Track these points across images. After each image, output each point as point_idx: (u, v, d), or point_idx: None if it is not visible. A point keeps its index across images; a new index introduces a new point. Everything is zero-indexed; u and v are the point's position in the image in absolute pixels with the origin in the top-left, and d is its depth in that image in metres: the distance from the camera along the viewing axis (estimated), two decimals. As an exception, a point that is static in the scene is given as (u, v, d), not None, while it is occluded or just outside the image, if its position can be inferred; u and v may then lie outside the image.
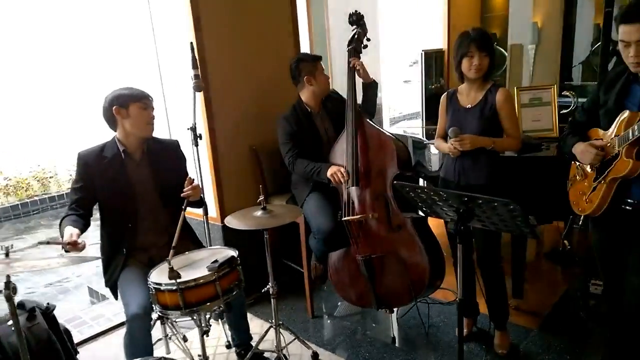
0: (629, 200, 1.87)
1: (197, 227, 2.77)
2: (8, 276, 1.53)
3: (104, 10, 3.43)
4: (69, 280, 4.69)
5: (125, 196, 2.33)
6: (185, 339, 2.57)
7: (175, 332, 2.57)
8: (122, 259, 2.31)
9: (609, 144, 1.87)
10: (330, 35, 4.95)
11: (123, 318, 3.12)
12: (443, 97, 2.52)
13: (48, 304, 2.31)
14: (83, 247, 1.97)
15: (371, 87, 2.88)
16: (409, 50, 5.41)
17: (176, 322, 2.66)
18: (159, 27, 3.16)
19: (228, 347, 2.75)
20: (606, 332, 2.30)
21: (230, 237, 3.17)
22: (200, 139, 2.76)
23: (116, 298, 2.36)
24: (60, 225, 2.19)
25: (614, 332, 2.18)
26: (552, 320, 2.85)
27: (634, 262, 1.92)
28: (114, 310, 3.35)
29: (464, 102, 2.39)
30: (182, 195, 2.25)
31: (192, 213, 2.93)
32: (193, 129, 2.73)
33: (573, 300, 3.03)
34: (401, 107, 6.77)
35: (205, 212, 2.80)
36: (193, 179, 2.32)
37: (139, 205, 2.37)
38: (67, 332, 2.45)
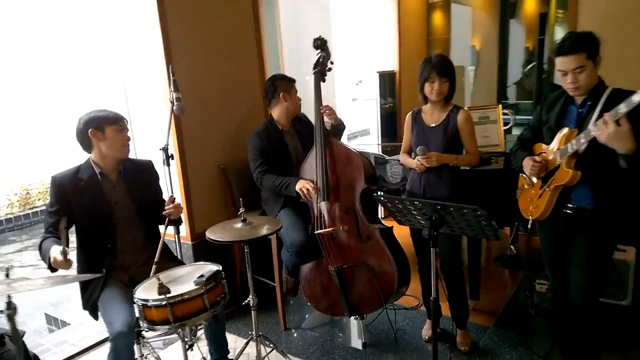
0: (569, 205, 2.12)
1: (170, 246, 2.83)
2: (9, 296, 1.57)
3: (68, 29, 3.43)
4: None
5: (103, 217, 2.36)
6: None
7: (150, 352, 2.59)
8: (101, 279, 2.33)
9: (551, 157, 2.14)
10: (284, 57, 5.12)
11: (89, 342, 3.16)
12: (408, 116, 2.73)
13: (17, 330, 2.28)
14: (71, 265, 2.01)
15: (339, 129, 3.04)
16: (356, 69, 5.64)
17: (149, 343, 2.68)
18: (125, 50, 3.21)
19: (204, 362, 2.81)
20: (553, 325, 2.56)
21: (200, 255, 3.25)
22: (172, 159, 2.84)
23: (96, 318, 2.37)
24: (40, 248, 2.20)
25: (560, 324, 2.43)
26: (505, 318, 3.12)
27: (575, 259, 2.17)
28: (78, 336, 3.31)
29: (428, 121, 2.61)
30: (163, 213, 2.32)
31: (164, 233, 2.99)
32: (165, 149, 2.79)
33: (522, 299, 3.33)
34: (350, 124, 7.04)
35: (177, 232, 2.86)
36: (174, 198, 2.39)
37: (117, 225, 2.41)
38: (37, 358, 2.43)
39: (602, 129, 1.84)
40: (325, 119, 2.92)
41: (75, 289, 4.03)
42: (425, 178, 2.58)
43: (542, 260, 2.45)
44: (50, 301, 4.41)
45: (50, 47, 5.90)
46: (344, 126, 3.11)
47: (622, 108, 1.80)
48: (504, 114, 4.80)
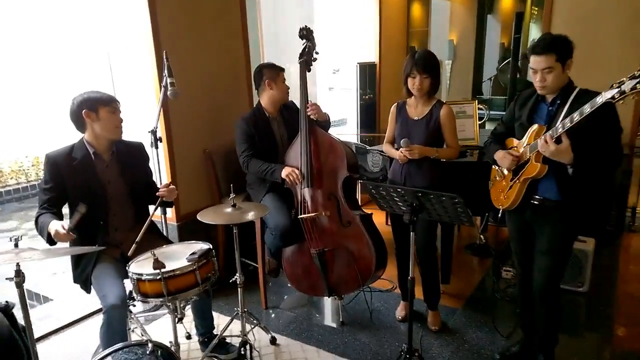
0: (536, 196, 2.30)
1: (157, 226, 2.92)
2: (18, 264, 1.66)
3: (54, 13, 3.43)
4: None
5: (96, 195, 2.43)
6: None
7: (137, 325, 2.70)
8: (95, 254, 2.41)
9: (522, 151, 2.32)
10: (264, 45, 5.18)
11: (74, 317, 3.23)
12: (393, 108, 2.84)
13: (7, 301, 2.33)
14: (73, 237, 2.11)
15: (325, 127, 3.10)
16: (335, 59, 5.71)
17: (135, 316, 2.77)
18: (113, 33, 3.24)
19: (188, 337, 2.92)
20: (516, 308, 2.75)
21: (185, 236, 3.34)
22: (160, 141, 2.91)
23: (88, 292, 2.45)
24: (37, 223, 2.27)
25: (523, 307, 2.63)
26: (473, 301, 3.33)
27: (539, 246, 2.36)
28: (62, 310, 3.37)
29: (412, 114, 2.74)
30: (157, 194, 2.41)
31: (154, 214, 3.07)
32: (154, 132, 2.87)
33: (489, 284, 3.55)
34: (330, 113, 7.12)
35: (164, 212, 2.96)
36: (170, 183, 2.50)
37: (110, 204, 2.49)
38: (24, 330, 2.49)
39: (545, 147, 2.04)
40: (310, 116, 2.97)
41: (58, 264, 4.08)
42: (406, 168, 2.72)
43: (509, 249, 2.64)
44: (30, 278, 4.42)
45: (38, 29, 5.80)
46: (330, 123, 3.17)
47: (576, 116, 1.97)
48: (479, 109, 5.01)
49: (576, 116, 1.98)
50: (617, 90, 1.88)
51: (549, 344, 2.50)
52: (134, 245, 2.29)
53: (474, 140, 3.52)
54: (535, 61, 2.15)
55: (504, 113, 2.58)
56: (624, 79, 1.90)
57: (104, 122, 2.40)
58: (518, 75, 6.87)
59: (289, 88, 3.20)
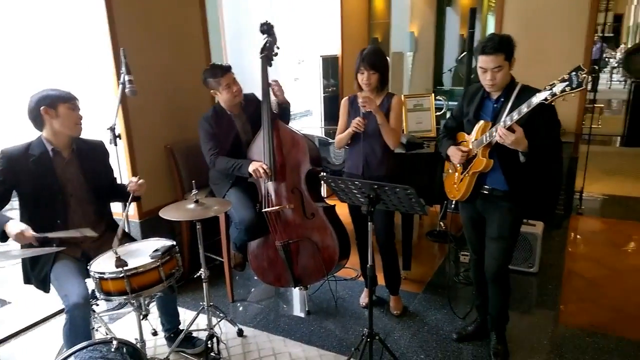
0: (485, 187, 2.43)
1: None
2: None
3: (8, 10, 3.33)
4: None
5: (55, 194, 2.41)
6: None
7: (101, 324, 2.70)
8: (52, 254, 2.36)
9: (471, 147, 2.43)
10: (226, 39, 5.16)
11: (35, 319, 3.18)
12: (345, 101, 2.92)
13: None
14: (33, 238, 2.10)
15: (285, 109, 3.13)
16: (299, 50, 5.72)
17: (99, 315, 2.77)
18: (70, 30, 3.18)
19: (154, 334, 2.94)
20: (472, 290, 2.90)
21: (148, 232, 3.34)
22: (120, 138, 2.89)
23: (47, 291, 2.43)
24: None
25: (478, 289, 2.78)
26: (432, 285, 3.48)
27: (490, 232, 2.50)
28: (22, 313, 3.31)
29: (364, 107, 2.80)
30: (128, 189, 2.43)
31: (120, 213, 3.05)
32: (112, 129, 2.85)
33: (448, 268, 3.70)
34: (293, 105, 7.15)
35: (136, 201, 2.95)
36: (139, 177, 2.50)
37: (69, 202, 2.46)
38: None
39: (505, 137, 2.15)
40: (272, 96, 3.00)
41: (11, 267, 3.94)
42: (364, 160, 2.81)
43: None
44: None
45: None
46: (290, 105, 3.19)
47: (523, 108, 2.11)
48: (438, 99, 5.16)
49: (515, 115, 2.13)
50: (549, 92, 2.04)
51: (501, 322, 2.67)
52: (115, 239, 2.25)
53: (431, 132, 3.64)
54: (485, 61, 2.25)
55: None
56: (555, 81, 2.05)
57: (64, 119, 2.37)
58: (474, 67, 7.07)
59: (237, 90, 3.09)
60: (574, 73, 1.99)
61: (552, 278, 3.49)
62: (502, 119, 2.23)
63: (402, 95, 3.47)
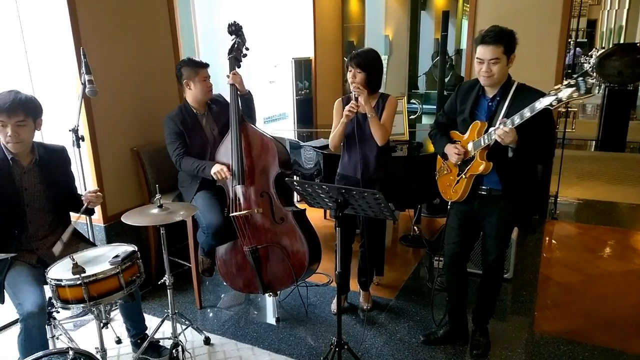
0: (483, 187, 2.40)
1: (80, 229, 2.79)
2: None
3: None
4: None
5: (12, 203, 2.31)
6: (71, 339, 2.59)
7: (62, 332, 2.59)
8: (6, 262, 2.27)
9: (468, 149, 2.38)
10: (199, 40, 5.08)
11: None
12: (338, 102, 2.86)
13: None
14: None
15: (246, 100, 3.07)
16: (273, 53, 5.69)
17: (60, 324, 2.66)
18: (29, 25, 3.06)
19: (118, 342, 2.83)
20: (446, 296, 2.87)
21: (113, 237, 3.23)
22: (83, 140, 2.80)
23: (2, 301, 2.32)
24: None
25: (452, 291, 2.75)
26: (406, 291, 3.43)
27: (488, 231, 2.49)
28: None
29: (361, 109, 2.71)
30: (83, 198, 2.32)
31: (74, 216, 2.95)
32: (75, 131, 2.75)
33: (422, 274, 3.67)
34: (269, 108, 7.11)
35: (90, 214, 2.84)
36: (98, 190, 2.41)
37: (26, 212, 2.37)
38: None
39: (505, 136, 2.12)
40: (230, 80, 2.96)
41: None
42: (362, 161, 2.76)
43: (441, 239, 2.74)
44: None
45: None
46: (251, 95, 3.12)
47: (526, 113, 2.06)
48: (412, 103, 5.14)
49: (517, 119, 2.09)
50: (554, 97, 1.99)
51: (486, 315, 2.70)
52: (58, 243, 2.22)
53: (403, 135, 3.61)
54: (483, 51, 2.21)
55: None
56: (561, 86, 1.99)
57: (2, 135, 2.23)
58: (451, 71, 7.12)
59: (210, 85, 3.09)
60: (581, 79, 1.97)
61: (527, 284, 3.48)
62: (499, 119, 2.19)
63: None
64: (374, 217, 2.43)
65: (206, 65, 3.09)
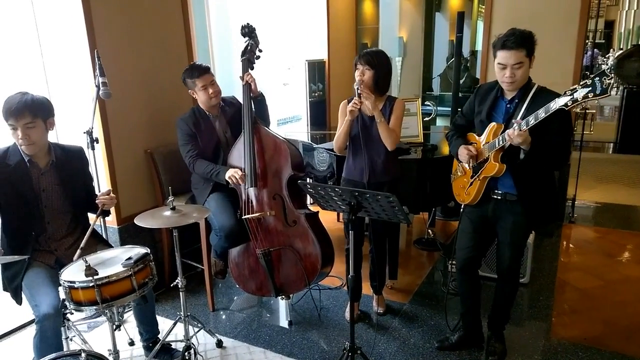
0: (497, 191, 2.35)
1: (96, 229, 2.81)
2: None
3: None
4: None
5: (30, 204, 2.32)
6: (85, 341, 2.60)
7: (76, 334, 2.60)
8: (25, 262, 2.29)
9: (482, 149, 2.34)
10: (213, 42, 5.10)
11: (8, 328, 3.06)
12: (343, 104, 2.80)
13: None
14: None
15: (259, 101, 3.04)
16: (286, 55, 5.70)
17: (74, 325, 2.67)
18: (44, 28, 3.08)
19: (131, 344, 2.84)
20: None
21: (127, 239, 3.24)
22: (97, 142, 2.81)
23: (19, 303, 2.34)
24: None
25: (465, 296, 2.69)
26: (420, 295, 3.38)
27: (502, 236, 2.44)
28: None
29: (366, 111, 2.71)
30: (97, 201, 2.33)
31: (92, 218, 2.96)
32: (90, 133, 2.77)
33: (437, 278, 3.63)
34: (283, 110, 7.12)
35: (105, 216, 2.85)
36: (110, 190, 2.41)
37: (44, 213, 2.38)
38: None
39: (515, 137, 2.07)
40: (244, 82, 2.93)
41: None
42: (369, 166, 2.73)
43: (454, 243, 2.68)
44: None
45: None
46: (263, 96, 3.09)
47: (540, 114, 2.02)
48: (427, 105, 5.10)
49: (532, 120, 2.04)
50: (569, 97, 1.94)
51: (502, 321, 2.65)
52: (78, 251, 2.21)
53: (417, 137, 3.56)
54: (505, 56, 2.15)
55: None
56: (577, 86, 1.94)
57: (14, 137, 2.24)
58: (466, 72, 7.05)
59: (213, 92, 3.00)
60: (597, 79, 1.88)
61: (544, 289, 3.41)
62: (517, 119, 2.14)
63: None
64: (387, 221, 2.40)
65: (205, 71, 2.99)
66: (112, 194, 2.40)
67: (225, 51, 4.96)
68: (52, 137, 3.16)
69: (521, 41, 2.12)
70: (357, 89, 2.59)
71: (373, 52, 2.69)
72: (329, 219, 2.95)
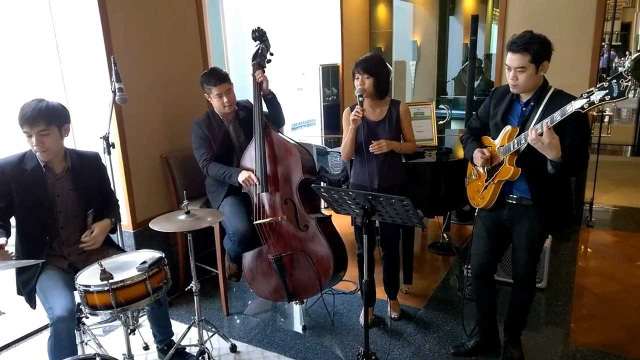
0: (512, 196, 2.32)
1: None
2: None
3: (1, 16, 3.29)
4: None
5: (45, 209, 2.35)
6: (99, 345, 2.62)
7: (91, 338, 2.61)
8: (38, 266, 2.31)
9: (496, 153, 2.31)
10: (228, 47, 5.14)
11: (25, 331, 3.10)
12: (346, 111, 2.79)
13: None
14: (10, 256, 2.00)
15: (269, 100, 3.04)
16: (301, 60, 5.72)
17: (89, 329, 2.69)
18: (62, 35, 3.14)
19: (145, 348, 2.85)
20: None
21: (142, 243, 3.27)
22: (113, 147, 2.84)
23: (33, 307, 2.36)
24: None
25: (480, 301, 2.67)
26: (435, 300, 3.35)
27: (517, 241, 2.40)
28: (14, 324, 3.23)
29: (371, 117, 2.73)
30: (80, 246, 2.37)
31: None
32: (106, 138, 2.80)
33: (452, 282, 3.59)
34: (297, 115, 7.14)
35: (119, 220, 2.88)
36: (94, 229, 2.40)
37: (58, 218, 2.40)
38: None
39: (537, 140, 2.02)
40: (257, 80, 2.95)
41: (7, 275, 3.90)
42: (379, 171, 2.73)
43: (469, 248, 2.66)
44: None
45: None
46: (275, 95, 3.08)
47: (556, 116, 1.98)
48: (441, 108, 5.06)
49: (548, 122, 2.00)
50: (586, 100, 1.91)
51: (519, 327, 2.61)
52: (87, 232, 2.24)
53: (432, 140, 3.54)
54: (509, 59, 2.15)
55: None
56: (593, 89, 1.90)
57: (29, 144, 2.27)
58: (481, 76, 7.00)
59: (228, 101, 2.99)
60: (614, 81, 1.84)
61: (561, 294, 3.36)
62: (532, 125, 2.11)
63: (405, 102, 3.39)
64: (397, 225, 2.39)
65: (223, 80, 2.98)
66: (93, 235, 2.38)
67: (239, 56, 5.00)
68: (70, 142, 3.22)
69: (526, 45, 2.08)
70: (359, 97, 2.60)
71: (369, 59, 2.67)
72: (343, 222, 2.94)
